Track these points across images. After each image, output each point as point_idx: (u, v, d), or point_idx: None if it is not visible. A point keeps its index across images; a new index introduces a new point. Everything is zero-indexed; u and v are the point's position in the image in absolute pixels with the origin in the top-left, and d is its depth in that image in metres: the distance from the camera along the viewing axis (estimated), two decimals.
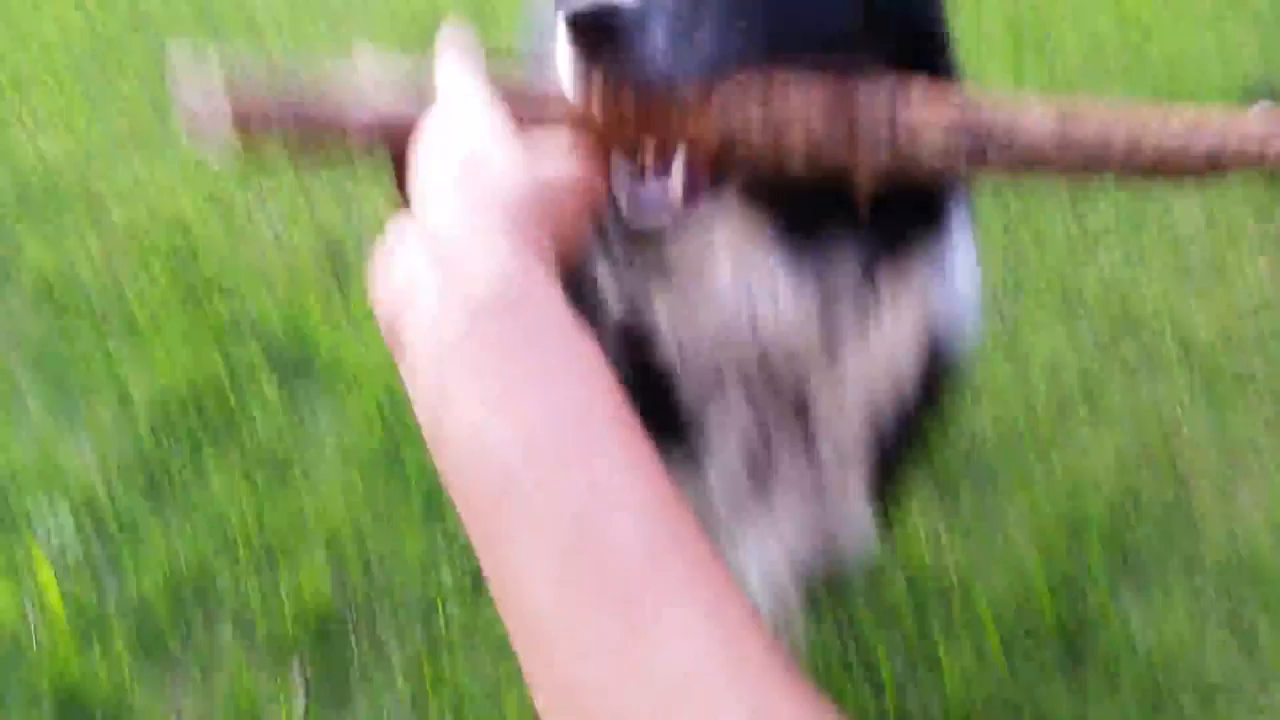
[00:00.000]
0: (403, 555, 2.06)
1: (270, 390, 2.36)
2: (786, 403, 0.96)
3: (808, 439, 1.00)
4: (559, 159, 0.67)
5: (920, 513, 2.15)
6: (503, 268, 0.58)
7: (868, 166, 0.73)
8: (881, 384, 0.97)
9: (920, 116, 0.74)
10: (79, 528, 2.09)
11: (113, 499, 2.13)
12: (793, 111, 0.73)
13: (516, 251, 0.59)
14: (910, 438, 1.08)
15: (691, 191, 0.77)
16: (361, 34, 3.54)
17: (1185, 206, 3.00)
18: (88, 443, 2.25)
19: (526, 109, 0.71)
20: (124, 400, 2.33)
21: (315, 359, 2.44)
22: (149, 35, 3.55)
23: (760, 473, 1.02)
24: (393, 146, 0.73)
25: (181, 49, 1.32)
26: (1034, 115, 0.75)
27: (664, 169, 0.75)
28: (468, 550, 2.05)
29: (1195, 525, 2.15)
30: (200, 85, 0.76)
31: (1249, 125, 0.80)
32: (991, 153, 0.74)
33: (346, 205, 2.90)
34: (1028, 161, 0.75)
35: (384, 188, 0.76)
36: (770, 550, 1.09)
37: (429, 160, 0.64)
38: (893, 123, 0.73)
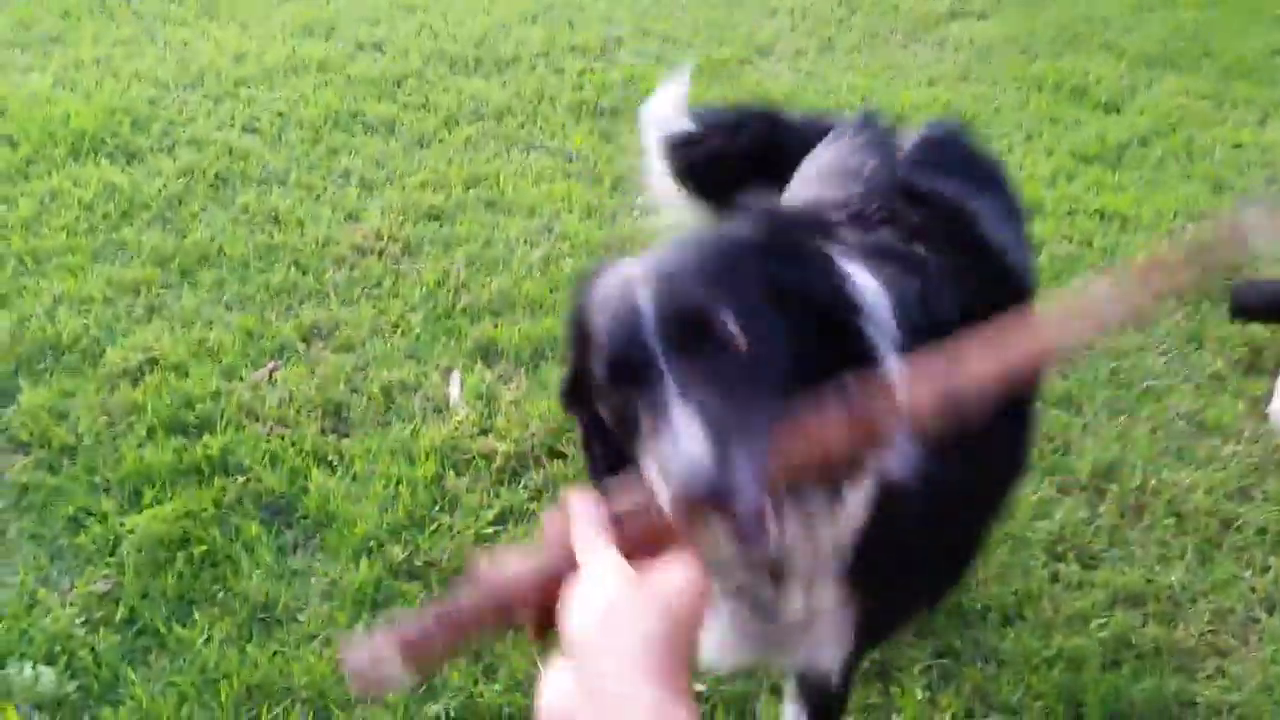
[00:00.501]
0: (385, 702, 2.02)
1: (258, 531, 2.36)
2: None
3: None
4: (673, 568, 0.84)
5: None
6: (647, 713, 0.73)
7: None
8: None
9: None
10: (58, 681, 2.04)
11: (94, 650, 2.08)
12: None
13: (656, 695, 0.74)
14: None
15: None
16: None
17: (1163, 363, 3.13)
18: (71, 588, 2.22)
19: (639, 525, 0.94)
20: (111, 544, 2.32)
21: (303, 500, 2.45)
22: (162, 196, 3.68)
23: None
24: (531, 604, 0.92)
25: None
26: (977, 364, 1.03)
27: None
28: (451, 691, 2.03)
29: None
30: (367, 650, 0.90)
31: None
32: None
33: (348, 361, 2.96)
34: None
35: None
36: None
37: (579, 616, 0.80)
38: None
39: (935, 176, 1.79)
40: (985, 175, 1.91)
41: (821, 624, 1.44)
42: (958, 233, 1.70)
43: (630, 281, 1.16)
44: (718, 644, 1.48)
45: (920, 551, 1.46)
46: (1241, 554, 2.50)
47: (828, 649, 1.51)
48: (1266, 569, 2.46)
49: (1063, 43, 6.31)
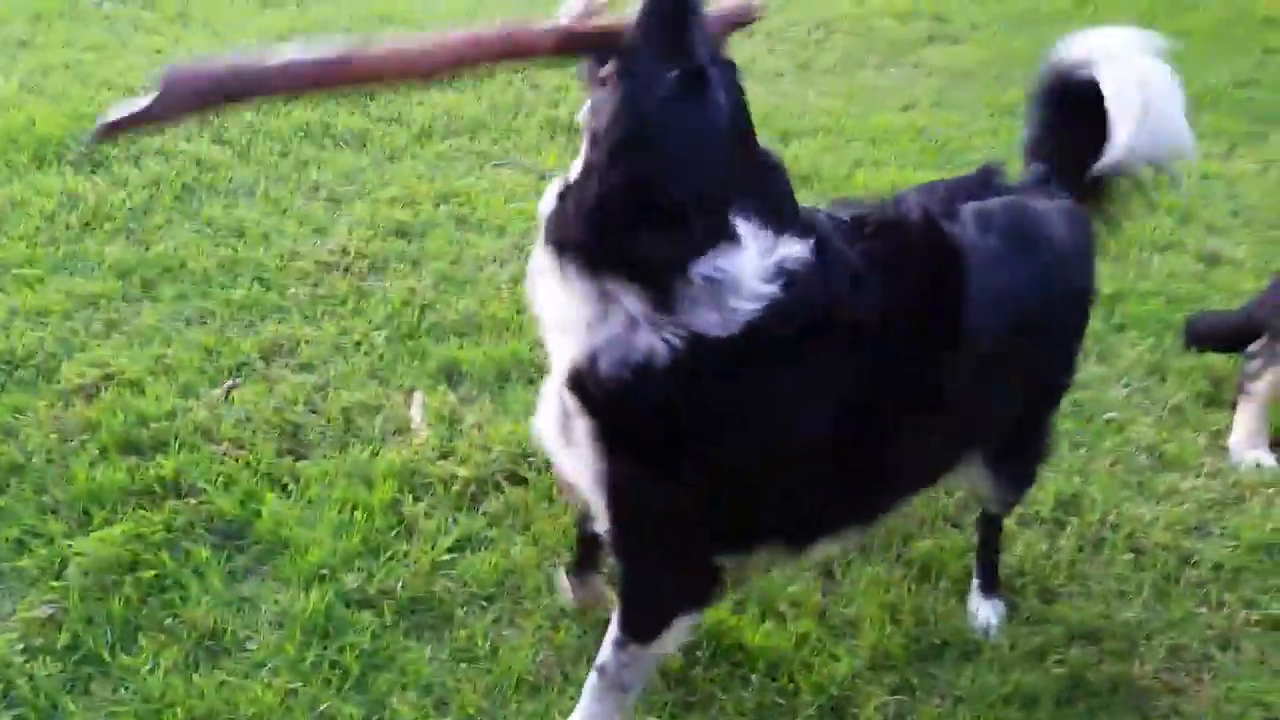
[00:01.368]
0: None
1: (208, 556, 2.32)
2: None
3: None
4: None
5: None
6: None
7: None
8: None
9: None
10: None
11: (32, 678, 2.02)
12: None
13: None
14: None
15: None
16: None
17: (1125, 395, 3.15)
18: (13, 613, 2.16)
19: None
20: (56, 568, 2.27)
21: (256, 524, 2.41)
22: (127, 207, 3.64)
23: None
24: None
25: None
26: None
27: None
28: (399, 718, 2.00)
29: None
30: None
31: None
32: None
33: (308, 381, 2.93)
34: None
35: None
36: None
37: None
38: None
39: (970, 223, 1.88)
40: (1027, 240, 1.92)
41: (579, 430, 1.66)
42: (926, 271, 1.76)
43: None
44: (541, 421, 1.77)
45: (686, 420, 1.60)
46: (1198, 590, 2.51)
47: (585, 472, 1.70)
48: (1222, 605, 2.47)
49: (1036, 69, 6.36)
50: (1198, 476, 2.91)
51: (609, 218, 1.48)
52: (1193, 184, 4.79)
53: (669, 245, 1.49)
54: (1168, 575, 2.54)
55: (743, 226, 1.54)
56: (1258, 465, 3.00)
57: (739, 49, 6.13)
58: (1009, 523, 2.62)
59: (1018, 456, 2.19)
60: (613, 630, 1.88)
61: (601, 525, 1.80)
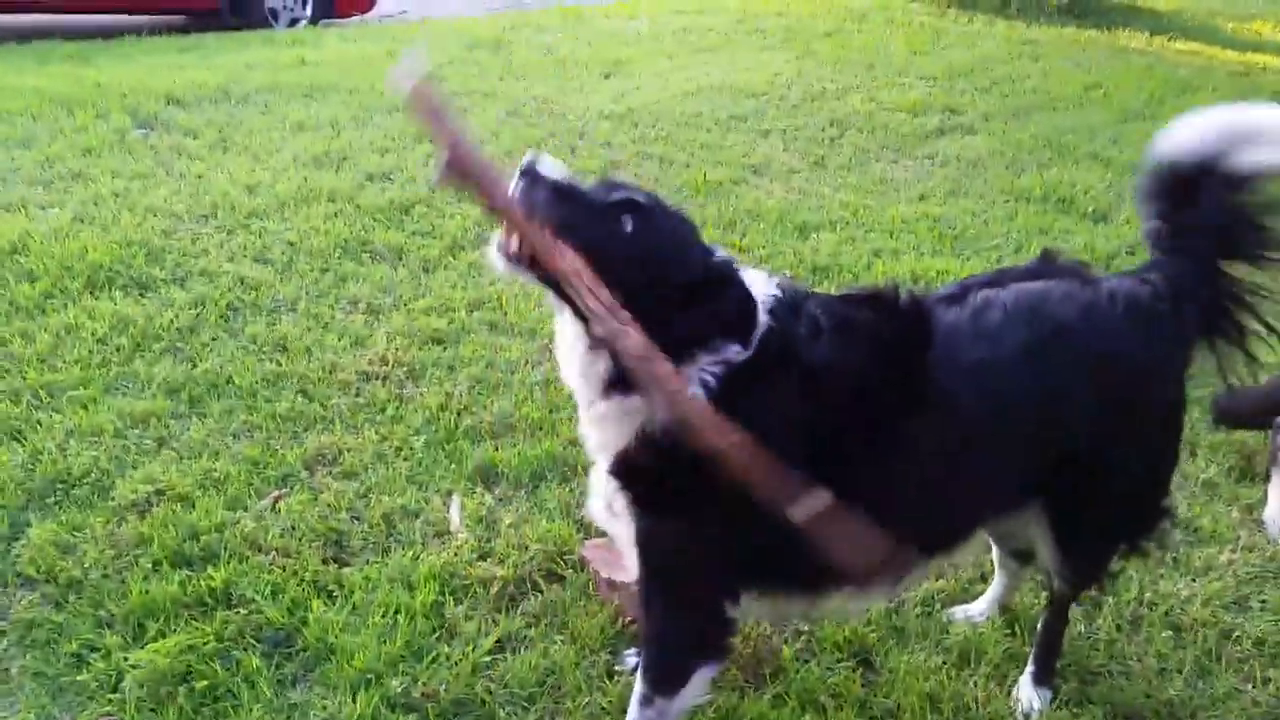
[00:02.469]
0: None
1: (258, 664, 2.38)
2: None
3: None
4: None
5: None
6: None
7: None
8: None
9: None
10: None
11: None
12: None
13: None
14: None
15: None
16: None
17: None
18: None
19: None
20: (113, 680, 2.34)
21: (303, 631, 2.48)
22: (174, 327, 3.81)
23: None
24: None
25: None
26: None
27: None
28: None
29: None
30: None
31: None
32: None
33: (350, 488, 3.03)
34: None
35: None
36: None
37: None
38: None
39: (973, 302, 2.02)
40: (1030, 319, 2.00)
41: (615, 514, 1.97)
42: (889, 336, 1.91)
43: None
44: (592, 505, 2.06)
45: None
46: (1241, 666, 2.50)
47: (624, 542, 2.00)
48: (1267, 681, 2.45)
49: (1050, 154, 6.51)
50: (1234, 550, 2.91)
51: (650, 322, 1.71)
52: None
53: (697, 319, 1.78)
54: (1208, 652, 2.53)
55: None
56: None
57: (756, 149, 6.35)
58: (1042, 604, 2.64)
59: (1084, 535, 2.19)
60: (637, 688, 2.06)
61: (634, 582, 2.04)
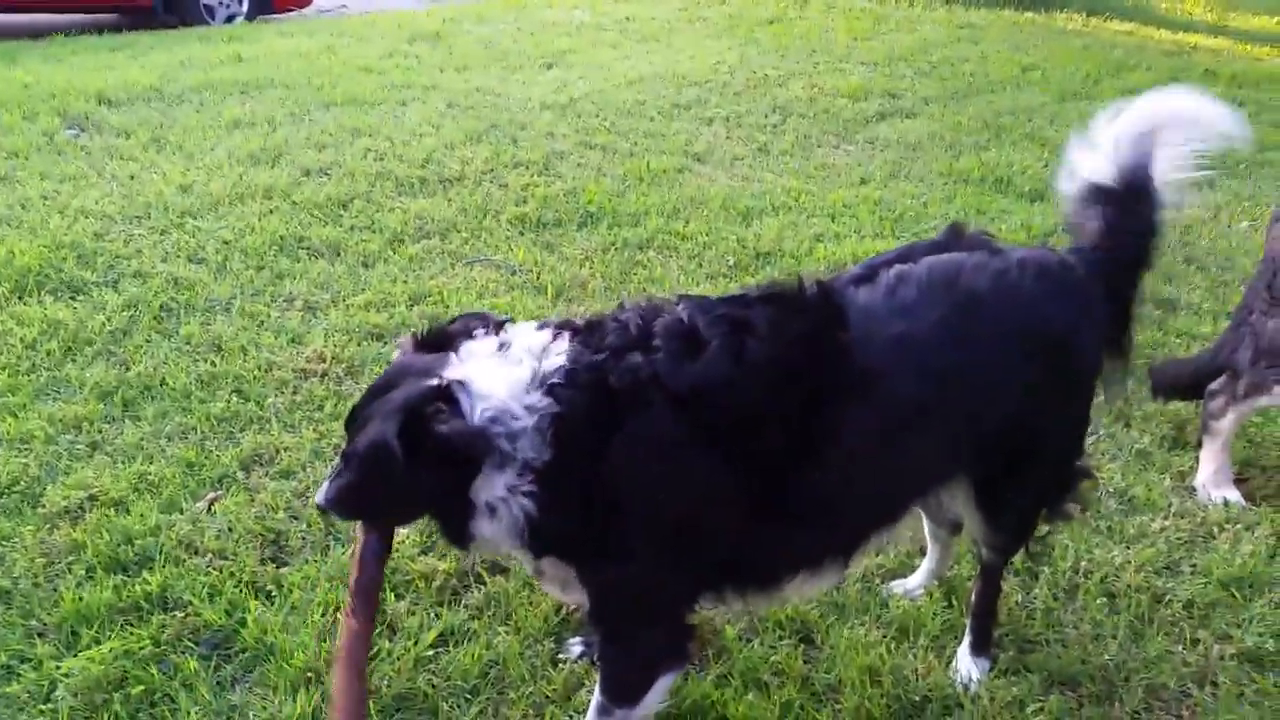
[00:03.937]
0: None
1: (196, 667, 2.35)
2: None
3: None
4: None
5: None
6: None
7: None
8: None
9: None
10: None
11: None
12: None
13: None
14: None
15: None
16: None
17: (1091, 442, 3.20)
18: None
19: None
20: (45, 691, 2.29)
21: (242, 632, 2.44)
22: (106, 330, 3.73)
23: None
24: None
25: None
26: None
27: None
28: None
29: None
30: None
31: None
32: None
33: (288, 487, 2.99)
34: None
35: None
36: None
37: None
38: None
39: (884, 281, 2.00)
40: (944, 291, 2.00)
41: (553, 575, 1.96)
42: (805, 325, 1.89)
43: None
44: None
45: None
46: (1173, 629, 2.56)
47: (574, 590, 1.96)
48: (1197, 642, 2.51)
49: (988, 136, 6.59)
50: (1166, 518, 2.98)
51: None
52: None
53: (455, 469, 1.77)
54: (1141, 616, 2.58)
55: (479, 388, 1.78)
56: (1225, 502, 3.07)
57: (699, 137, 6.36)
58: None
59: (1010, 506, 2.22)
60: (597, 698, 2.02)
61: (584, 608, 2.00)
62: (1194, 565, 2.77)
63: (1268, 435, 3.43)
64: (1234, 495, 3.09)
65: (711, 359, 1.80)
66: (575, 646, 2.43)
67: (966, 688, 2.34)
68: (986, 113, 7.06)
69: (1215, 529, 2.94)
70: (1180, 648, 2.49)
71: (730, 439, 1.80)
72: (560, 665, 2.41)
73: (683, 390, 1.77)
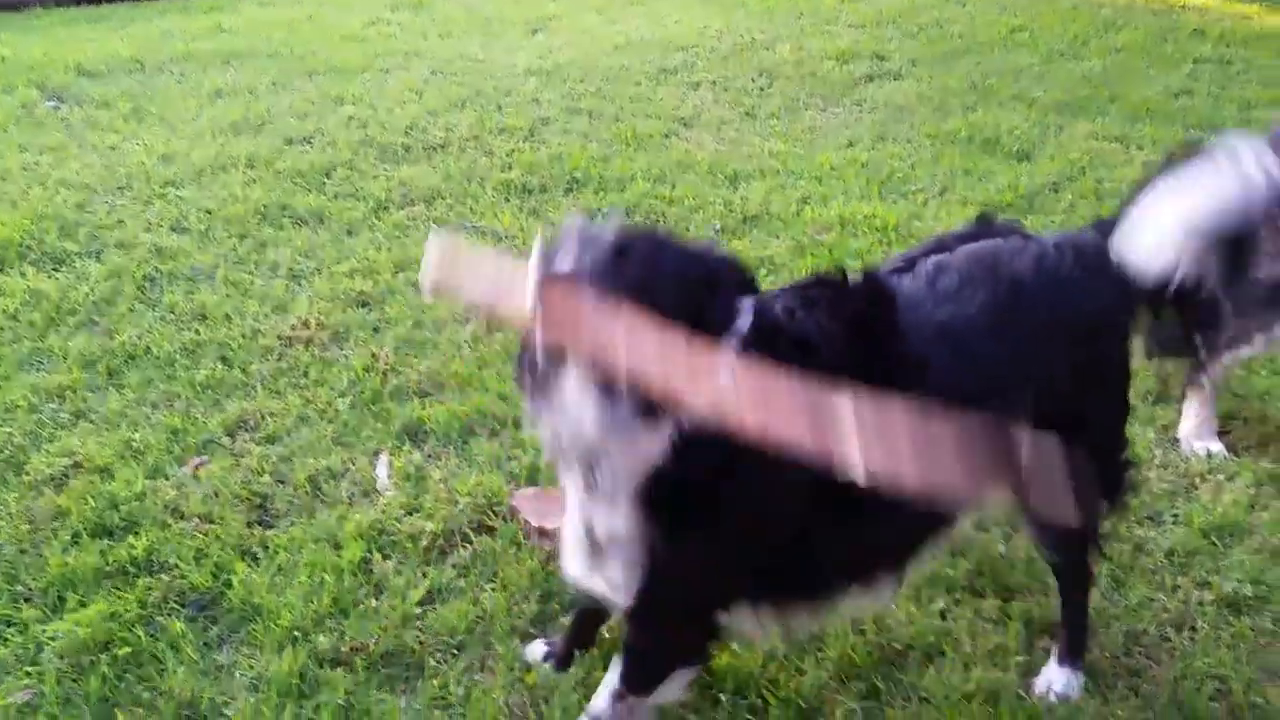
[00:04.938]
0: None
1: (182, 629, 2.36)
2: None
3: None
4: None
5: None
6: None
7: None
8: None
9: None
10: None
11: None
12: None
13: None
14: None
15: None
16: None
17: None
18: None
19: None
20: (31, 653, 2.30)
21: (228, 594, 2.45)
22: (89, 300, 3.72)
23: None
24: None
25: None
26: None
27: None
28: None
29: None
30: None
31: None
32: None
33: (273, 452, 2.99)
34: None
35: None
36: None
37: None
38: None
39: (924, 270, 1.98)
40: (984, 278, 1.97)
41: (618, 547, 1.79)
42: (857, 312, 1.85)
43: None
44: (569, 552, 1.91)
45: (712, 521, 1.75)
46: (1153, 576, 2.58)
47: (622, 573, 1.82)
48: (1176, 589, 2.53)
49: (975, 97, 6.55)
50: (1150, 469, 2.99)
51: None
52: (1132, 192, 4.93)
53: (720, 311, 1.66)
54: (1123, 565, 2.60)
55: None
56: (1207, 454, 3.09)
57: (686, 101, 6.33)
58: (967, 528, 2.69)
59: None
60: (611, 683, 1.98)
61: (622, 602, 1.90)
62: (1175, 515, 2.80)
63: (1250, 388, 3.44)
64: (1216, 447, 3.11)
65: (804, 322, 1.77)
66: (540, 647, 2.35)
67: (1050, 708, 2.22)
68: (974, 74, 7.01)
69: (1197, 480, 2.96)
70: (1161, 595, 2.52)
71: None
72: (549, 623, 2.42)
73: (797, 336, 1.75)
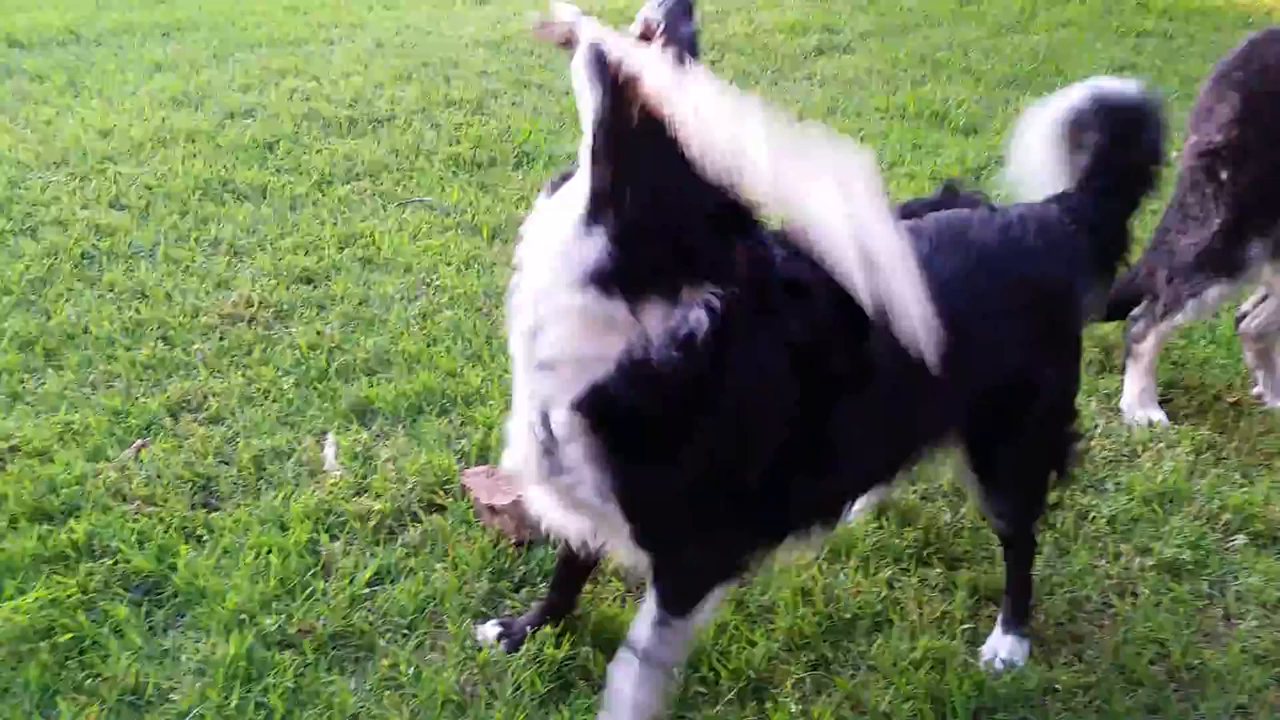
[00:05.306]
0: None
1: (126, 613, 2.31)
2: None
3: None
4: None
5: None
6: None
7: None
8: None
9: None
10: None
11: None
12: None
13: None
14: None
15: None
16: None
17: None
18: None
19: None
20: None
21: (172, 577, 2.41)
22: (25, 279, 3.62)
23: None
24: None
25: None
26: None
27: None
28: None
29: None
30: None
31: None
32: None
33: (217, 433, 2.94)
34: None
35: None
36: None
37: None
38: None
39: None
40: (952, 244, 2.02)
41: (572, 455, 1.75)
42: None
43: None
44: (516, 457, 1.87)
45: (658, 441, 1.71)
46: (1096, 543, 2.63)
47: (585, 488, 1.78)
48: (1119, 555, 2.58)
49: (924, 71, 6.58)
50: (1092, 438, 3.05)
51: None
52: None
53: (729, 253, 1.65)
54: (1067, 532, 2.65)
55: None
56: (1149, 422, 3.15)
57: None
58: (912, 496, 2.73)
59: (1008, 467, 2.20)
60: (651, 612, 1.94)
61: (612, 536, 1.91)
62: (1118, 482, 2.85)
63: (1190, 356, 3.51)
64: (1158, 415, 3.17)
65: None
66: (492, 629, 2.32)
67: (996, 674, 2.24)
68: (923, 47, 7.04)
69: (1139, 448, 3.02)
70: (1103, 561, 2.57)
71: (811, 344, 1.79)
72: (500, 603, 2.42)
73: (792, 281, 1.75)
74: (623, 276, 1.60)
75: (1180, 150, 3.21)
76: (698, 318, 1.65)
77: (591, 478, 1.78)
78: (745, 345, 1.72)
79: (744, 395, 1.76)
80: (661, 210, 1.59)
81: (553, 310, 1.67)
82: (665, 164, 1.54)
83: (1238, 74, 3.04)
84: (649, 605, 1.96)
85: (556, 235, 1.66)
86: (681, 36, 1.61)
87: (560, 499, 1.89)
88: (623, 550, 1.98)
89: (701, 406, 1.72)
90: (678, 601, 1.94)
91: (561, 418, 1.74)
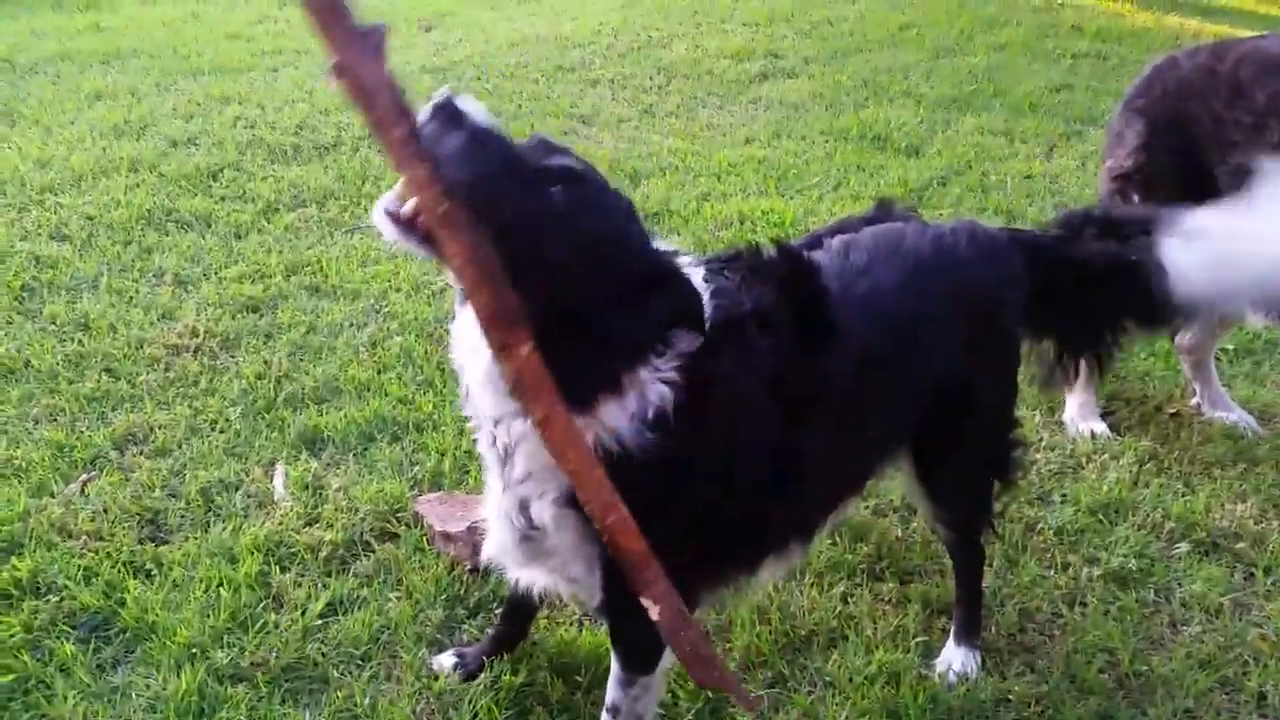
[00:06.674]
0: None
1: (73, 651, 2.26)
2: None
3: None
4: None
5: None
6: None
7: None
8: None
9: None
10: None
11: None
12: None
13: None
14: None
15: None
16: None
17: None
18: None
19: None
20: None
21: (120, 613, 2.36)
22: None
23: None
24: None
25: None
26: None
27: None
28: None
29: None
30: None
31: None
32: None
33: (164, 465, 2.89)
34: None
35: None
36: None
37: None
38: None
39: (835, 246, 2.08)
40: (889, 256, 2.07)
41: (560, 540, 1.77)
42: (788, 285, 1.90)
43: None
44: (495, 546, 1.89)
45: (653, 514, 1.66)
46: (1045, 554, 2.68)
47: (575, 564, 1.82)
48: (1067, 565, 2.64)
49: (866, 94, 6.70)
50: (1038, 451, 3.11)
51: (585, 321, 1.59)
52: (1017, 184, 5.12)
53: (646, 318, 1.63)
54: (1015, 544, 2.70)
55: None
56: (1091, 434, 3.22)
57: (584, 99, 6.32)
58: (864, 512, 2.76)
59: (950, 475, 2.24)
60: (616, 673, 1.96)
61: (588, 598, 1.90)
62: (1064, 494, 2.91)
63: (1131, 369, 3.60)
64: (1100, 427, 3.25)
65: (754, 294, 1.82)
66: (448, 659, 2.30)
67: (950, 687, 2.26)
68: (865, 71, 7.17)
69: (1083, 460, 3.08)
70: (1052, 572, 2.62)
71: (786, 369, 1.82)
72: (455, 630, 2.40)
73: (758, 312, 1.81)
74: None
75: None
76: (659, 393, 1.65)
77: (584, 555, 1.80)
78: (726, 393, 1.75)
79: (733, 439, 1.79)
80: (559, 316, 1.54)
81: (513, 435, 1.71)
82: (534, 273, 1.51)
83: (1141, 100, 3.15)
84: (614, 668, 1.97)
85: (482, 358, 1.62)
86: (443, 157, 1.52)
87: (544, 576, 1.92)
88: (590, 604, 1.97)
89: (692, 467, 1.75)
90: (640, 660, 1.95)
91: (544, 511, 1.77)
